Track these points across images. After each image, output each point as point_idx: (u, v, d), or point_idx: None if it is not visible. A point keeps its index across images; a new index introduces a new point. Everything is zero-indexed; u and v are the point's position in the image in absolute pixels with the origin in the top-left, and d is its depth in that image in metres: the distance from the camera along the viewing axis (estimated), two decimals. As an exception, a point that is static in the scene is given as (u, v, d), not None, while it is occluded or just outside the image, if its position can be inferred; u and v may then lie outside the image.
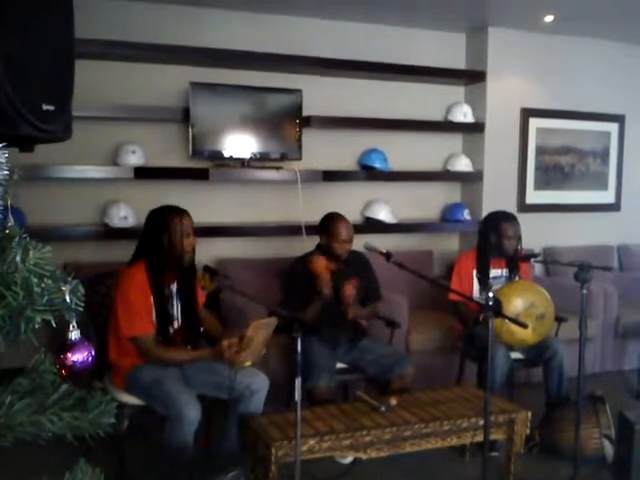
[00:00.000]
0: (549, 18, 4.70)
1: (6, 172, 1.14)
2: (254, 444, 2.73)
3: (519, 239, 3.79)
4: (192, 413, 2.69)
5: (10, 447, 1.36)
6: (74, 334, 1.31)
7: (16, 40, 1.57)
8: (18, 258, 1.13)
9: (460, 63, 5.14)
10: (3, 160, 1.14)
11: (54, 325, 1.20)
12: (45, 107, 1.67)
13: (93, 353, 1.33)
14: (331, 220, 3.60)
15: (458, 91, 5.19)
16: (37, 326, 1.18)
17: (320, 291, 3.42)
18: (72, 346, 1.31)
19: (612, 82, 5.42)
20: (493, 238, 3.79)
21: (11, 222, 1.23)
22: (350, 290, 3.56)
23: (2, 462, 1.66)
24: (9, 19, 1.54)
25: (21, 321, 1.14)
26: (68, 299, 1.21)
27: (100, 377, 3.00)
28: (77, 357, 1.31)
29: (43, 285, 1.16)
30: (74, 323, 1.29)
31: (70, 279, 1.23)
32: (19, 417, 1.28)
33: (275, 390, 3.09)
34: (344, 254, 3.57)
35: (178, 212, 2.98)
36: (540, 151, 5.26)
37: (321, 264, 3.47)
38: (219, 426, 3.06)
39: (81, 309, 1.25)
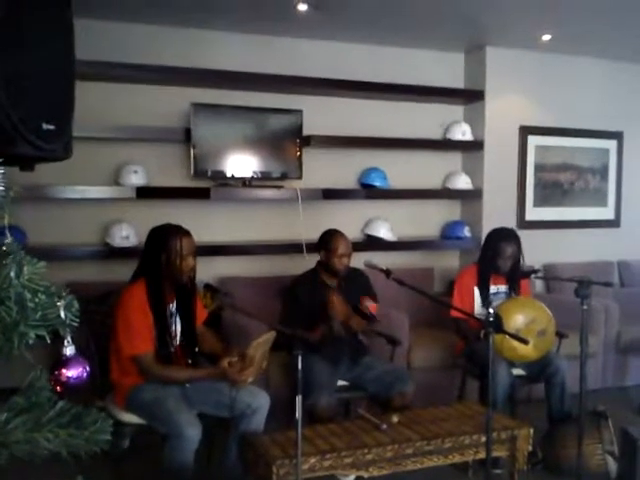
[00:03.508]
0: (546, 37, 4.74)
1: (2, 189, 1.15)
2: (255, 463, 2.72)
3: (517, 260, 3.79)
4: (193, 432, 2.68)
5: (6, 465, 1.36)
6: (69, 350, 1.31)
7: (17, 59, 1.58)
8: (12, 273, 1.13)
9: (459, 82, 5.19)
10: (-1, 177, 1.15)
11: (48, 341, 1.20)
12: (45, 126, 1.69)
13: (88, 369, 1.32)
14: (329, 235, 3.63)
15: (457, 110, 5.23)
16: (31, 342, 1.17)
17: (331, 327, 3.44)
18: (66, 362, 1.31)
19: (610, 99, 5.45)
20: (490, 255, 3.80)
21: (9, 239, 1.23)
22: (340, 304, 3.43)
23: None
24: (10, 38, 1.56)
25: (14, 336, 1.14)
26: (63, 315, 1.21)
27: (102, 396, 3.00)
28: (72, 373, 1.30)
29: (37, 300, 1.16)
30: (69, 339, 1.29)
31: (65, 294, 1.23)
32: (15, 435, 1.28)
33: (276, 408, 3.08)
34: (342, 269, 3.57)
35: (179, 232, 2.96)
36: (539, 168, 5.28)
37: (340, 309, 3.43)
38: (220, 445, 3.04)
39: (76, 324, 1.25)
